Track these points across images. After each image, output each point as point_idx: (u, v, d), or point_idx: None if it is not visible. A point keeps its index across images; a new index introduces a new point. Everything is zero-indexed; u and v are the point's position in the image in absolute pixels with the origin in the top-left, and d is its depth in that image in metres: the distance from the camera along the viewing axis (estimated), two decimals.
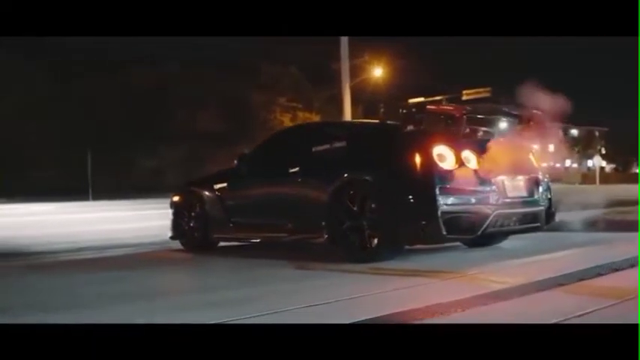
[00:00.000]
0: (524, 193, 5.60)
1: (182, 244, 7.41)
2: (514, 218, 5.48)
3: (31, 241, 9.22)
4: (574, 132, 75.00)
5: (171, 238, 7.53)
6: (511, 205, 5.39)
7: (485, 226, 5.12)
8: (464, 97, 42.05)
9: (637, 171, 60.81)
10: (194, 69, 39.40)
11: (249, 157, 6.97)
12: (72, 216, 18.02)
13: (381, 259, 5.22)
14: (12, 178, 33.35)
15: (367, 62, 42.67)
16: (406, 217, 5.10)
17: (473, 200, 5.13)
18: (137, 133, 35.54)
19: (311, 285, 4.26)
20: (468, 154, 5.20)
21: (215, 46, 37.34)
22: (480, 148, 5.32)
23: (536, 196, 5.72)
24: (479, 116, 5.45)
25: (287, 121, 41.04)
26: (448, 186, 5.03)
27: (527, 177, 5.66)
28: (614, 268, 4.39)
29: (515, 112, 5.78)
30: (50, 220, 15.94)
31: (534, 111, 5.90)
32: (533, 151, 6.01)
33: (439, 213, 4.93)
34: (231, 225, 6.80)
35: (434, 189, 4.96)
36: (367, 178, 5.39)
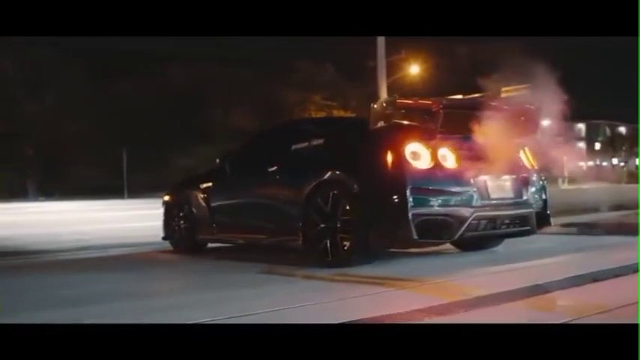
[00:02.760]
0: (511, 194, 5.16)
1: (171, 244, 7.23)
2: (498, 221, 5.04)
3: (39, 240, 9.24)
4: (622, 130, 72.50)
5: (163, 238, 7.35)
6: (494, 207, 4.96)
7: (462, 229, 4.70)
8: (502, 95, 41.18)
9: None
10: (229, 67, 39.59)
11: (232, 156, 6.72)
12: (101, 214, 18.20)
13: (353, 264, 4.87)
14: (51, 177, 34.18)
15: (404, 59, 42.11)
16: (376, 220, 4.74)
17: (449, 202, 4.72)
18: (172, 131, 36.04)
19: (255, 293, 3.96)
20: (445, 152, 4.80)
21: (250, 44, 37.35)
22: (461, 145, 4.92)
23: (525, 198, 5.25)
24: (460, 110, 5.02)
25: None
26: (421, 186, 4.64)
27: (514, 177, 5.21)
28: (594, 278, 3.95)
29: (505, 107, 5.34)
30: (76, 217, 16.12)
31: (528, 106, 5.46)
32: (525, 148, 5.56)
33: (410, 216, 4.55)
34: (214, 226, 6.58)
35: (405, 190, 4.57)
36: (340, 178, 5.04)
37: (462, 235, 4.75)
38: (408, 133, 4.81)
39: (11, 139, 34.13)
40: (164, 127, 36.39)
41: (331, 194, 5.04)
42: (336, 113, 41.08)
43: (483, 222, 4.87)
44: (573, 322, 2.84)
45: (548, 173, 6.27)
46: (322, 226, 5.10)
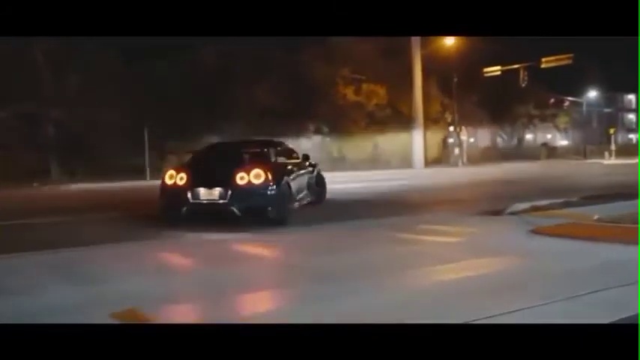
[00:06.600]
0: (216, 197, 9.55)
1: None
2: (206, 211, 9.77)
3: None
4: None
5: None
6: (202, 204, 9.67)
7: (182, 213, 9.92)
8: (543, 65, 37.58)
9: None
10: (254, 43, 35.67)
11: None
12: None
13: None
14: (74, 158, 33.07)
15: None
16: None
17: (175, 201, 10.01)
18: (196, 109, 35.09)
19: None
20: (182, 175, 10.04)
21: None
22: (194, 171, 10.16)
23: (227, 199, 9.43)
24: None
25: (350, 94, 40.30)
26: (169, 194, 10.03)
27: (224, 188, 9.45)
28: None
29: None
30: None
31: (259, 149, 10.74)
32: (255, 170, 9.50)
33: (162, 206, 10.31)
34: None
35: (163, 195, 10.19)
36: None
37: (184, 216, 9.97)
38: (174, 167, 10.40)
39: (35, 120, 32.39)
40: (188, 105, 35.13)
41: None
42: (365, 87, 40.34)
43: (196, 210, 9.84)
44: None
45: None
46: None
